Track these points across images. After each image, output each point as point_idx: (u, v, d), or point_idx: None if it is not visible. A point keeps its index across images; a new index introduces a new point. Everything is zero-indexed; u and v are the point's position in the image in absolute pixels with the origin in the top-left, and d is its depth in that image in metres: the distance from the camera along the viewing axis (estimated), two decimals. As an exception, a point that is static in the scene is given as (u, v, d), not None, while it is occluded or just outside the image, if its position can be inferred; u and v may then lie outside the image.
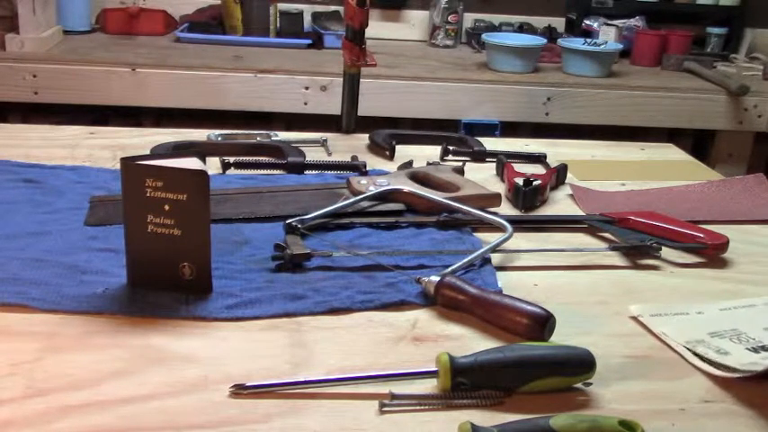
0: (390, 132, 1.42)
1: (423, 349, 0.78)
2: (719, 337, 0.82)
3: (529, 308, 0.80)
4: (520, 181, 1.17)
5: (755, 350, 0.79)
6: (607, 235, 1.08)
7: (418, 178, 1.18)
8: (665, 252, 1.03)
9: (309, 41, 2.48)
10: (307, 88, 2.16)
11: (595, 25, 2.69)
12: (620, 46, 2.46)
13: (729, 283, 0.97)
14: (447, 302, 0.85)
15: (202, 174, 0.80)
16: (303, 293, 0.86)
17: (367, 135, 1.42)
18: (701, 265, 1.02)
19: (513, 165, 1.27)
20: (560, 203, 1.20)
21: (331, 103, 2.04)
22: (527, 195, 1.15)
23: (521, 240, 1.03)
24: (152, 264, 0.83)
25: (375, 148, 1.39)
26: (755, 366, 0.74)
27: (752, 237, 1.12)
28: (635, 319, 0.86)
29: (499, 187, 1.20)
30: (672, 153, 1.54)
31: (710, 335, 0.83)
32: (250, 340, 0.78)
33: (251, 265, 0.92)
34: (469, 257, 0.94)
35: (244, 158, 1.25)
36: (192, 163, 0.83)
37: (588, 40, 2.49)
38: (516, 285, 0.91)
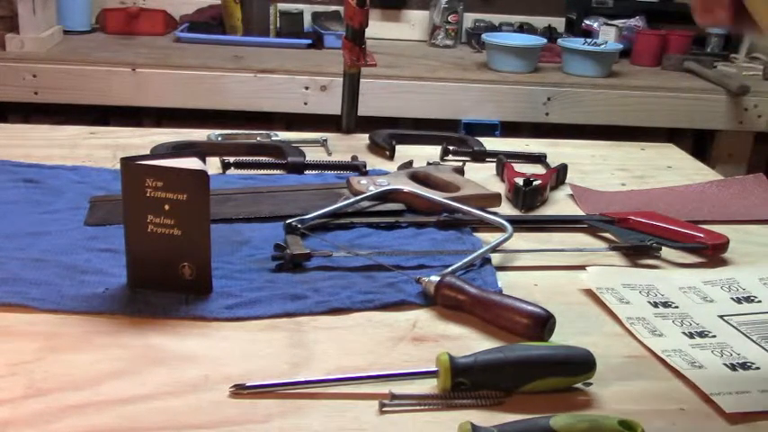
0: (390, 132, 1.42)
1: (423, 349, 0.78)
2: (662, 318, 0.84)
3: (529, 308, 0.80)
4: (520, 181, 1.17)
5: (691, 335, 0.80)
6: (607, 235, 1.08)
7: (418, 178, 1.18)
8: (665, 252, 1.03)
9: (309, 41, 2.48)
10: (307, 88, 2.16)
11: (595, 25, 2.69)
12: (620, 46, 2.46)
13: (729, 283, 0.97)
14: (447, 302, 0.85)
15: (202, 174, 0.80)
16: (303, 293, 0.86)
17: (367, 135, 1.42)
18: (701, 265, 1.01)
19: (513, 165, 1.27)
20: (560, 203, 1.20)
21: (331, 103, 2.03)
22: (527, 195, 1.15)
23: (521, 240, 1.03)
24: (152, 264, 0.83)
25: (375, 148, 1.39)
26: (674, 358, 0.76)
27: (752, 237, 1.11)
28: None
29: (499, 187, 1.20)
30: (672, 153, 1.54)
31: (655, 315, 0.84)
32: (250, 340, 0.77)
33: (251, 265, 0.92)
34: (469, 257, 0.94)
35: (244, 158, 1.25)
36: (192, 163, 0.83)
37: (588, 40, 2.49)
38: (516, 285, 0.91)
